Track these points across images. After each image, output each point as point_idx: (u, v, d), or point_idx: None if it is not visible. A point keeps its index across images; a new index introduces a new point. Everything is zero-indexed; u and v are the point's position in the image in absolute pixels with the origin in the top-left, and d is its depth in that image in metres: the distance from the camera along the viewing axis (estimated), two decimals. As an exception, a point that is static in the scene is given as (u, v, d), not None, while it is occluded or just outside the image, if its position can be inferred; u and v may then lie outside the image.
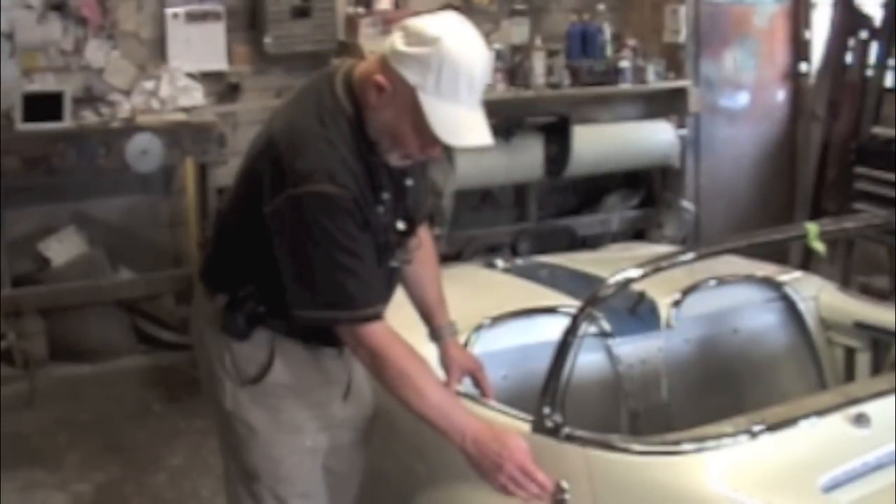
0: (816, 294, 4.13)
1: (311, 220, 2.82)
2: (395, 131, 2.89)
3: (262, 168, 2.93)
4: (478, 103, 2.86)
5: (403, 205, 3.10)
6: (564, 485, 2.85)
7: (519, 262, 5.01)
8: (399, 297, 3.30)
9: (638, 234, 8.12)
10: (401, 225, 3.09)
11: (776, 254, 5.46)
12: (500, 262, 4.76)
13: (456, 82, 2.77)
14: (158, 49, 7.15)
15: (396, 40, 2.82)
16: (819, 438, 2.84)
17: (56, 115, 6.50)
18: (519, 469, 2.83)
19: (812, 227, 3.34)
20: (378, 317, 2.93)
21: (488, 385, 3.32)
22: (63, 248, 6.92)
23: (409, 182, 3.11)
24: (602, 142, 7.65)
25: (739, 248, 3.63)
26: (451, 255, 7.20)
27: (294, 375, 3.15)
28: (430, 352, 3.31)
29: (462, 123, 2.82)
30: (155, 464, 5.49)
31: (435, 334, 3.38)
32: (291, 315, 2.95)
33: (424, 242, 3.39)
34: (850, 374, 4.01)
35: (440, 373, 3.25)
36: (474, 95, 2.84)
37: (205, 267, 3.33)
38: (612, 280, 3.16)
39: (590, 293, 3.20)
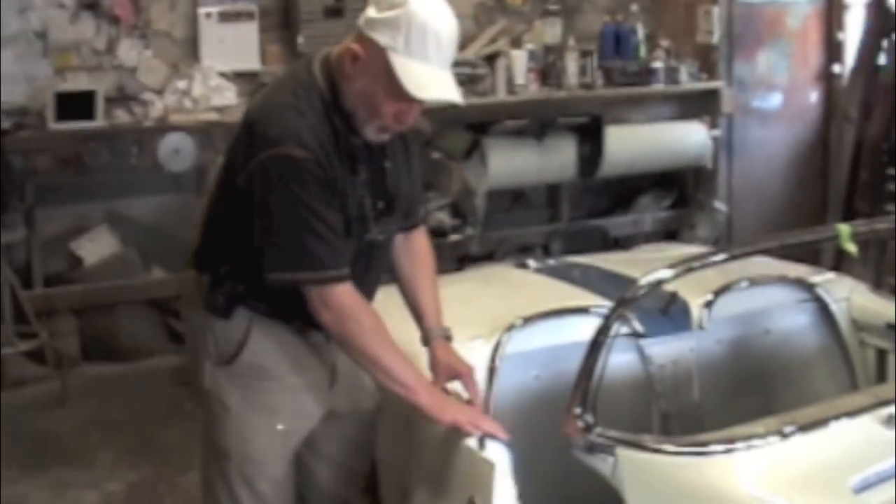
0: (848, 295, 4.11)
1: (277, 182, 2.94)
2: (369, 98, 3.00)
3: (239, 143, 3.07)
4: (447, 64, 2.99)
5: (383, 185, 3.19)
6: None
7: (551, 262, 5.01)
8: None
9: (670, 234, 8.11)
10: (380, 204, 3.18)
11: (808, 255, 5.43)
12: (532, 263, 4.76)
13: (424, 41, 2.90)
14: (191, 48, 7.18)
15: (369, 10, 2.96)
16: (850, 439, 2.83)
17: (88, 114, 6.53)
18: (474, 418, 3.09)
19: (844, 229, 3.34)
20: (343, 279, 3.03)
21: (476, 391, 3.29)
22: (95, 248, 6.95)
23: (387, 164, 3.20)
24: (635, 142, 7.65)
25: (772, 249, 3.62)
26: (483, 256, 7.21)
27: (268, 357, 3.21)
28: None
29: (431, 80, 2.94)
30: (187, 463, 5.49)
31: (425, 337, 3.38)
32: (265, 281, 3.03)
33: (421, 247, 3.48)
34: (881, 376, 4.00)
35: (428, 375, 3.28)
36: (443, 55, 2.95)
37: (194, 249, 3.44)
38: (644, 280, 3.16)
39: (622, 293, 3.21)
